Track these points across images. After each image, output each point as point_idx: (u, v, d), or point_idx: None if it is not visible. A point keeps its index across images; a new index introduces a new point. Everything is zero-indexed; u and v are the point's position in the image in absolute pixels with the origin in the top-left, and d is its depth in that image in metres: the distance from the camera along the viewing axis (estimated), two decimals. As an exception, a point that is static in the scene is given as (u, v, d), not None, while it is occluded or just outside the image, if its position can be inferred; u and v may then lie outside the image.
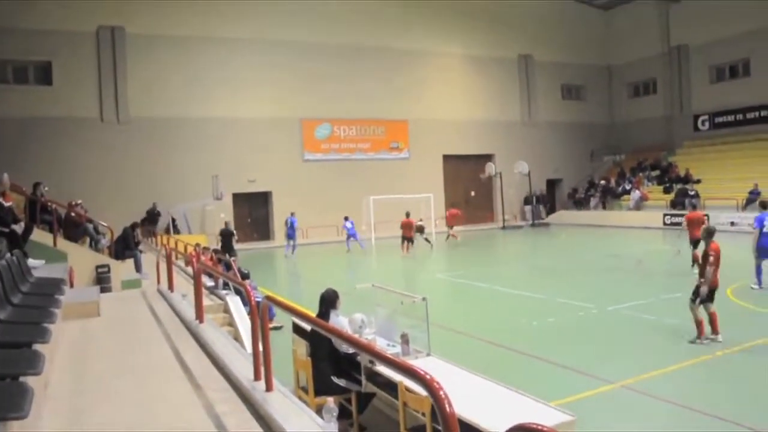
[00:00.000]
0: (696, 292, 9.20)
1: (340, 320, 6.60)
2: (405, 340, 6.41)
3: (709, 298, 9.17)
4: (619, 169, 38.24)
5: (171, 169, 28.31)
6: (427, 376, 2.29)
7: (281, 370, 6.94)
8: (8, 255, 6.51)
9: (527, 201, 37.19)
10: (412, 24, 34.31)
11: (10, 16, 25.21)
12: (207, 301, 10.70)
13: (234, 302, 11.02)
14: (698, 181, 31.46)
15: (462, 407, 3.66)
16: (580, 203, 37.24)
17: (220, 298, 11.68)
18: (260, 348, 4.61)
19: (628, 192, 34.39)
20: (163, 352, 6.05)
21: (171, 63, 28.66)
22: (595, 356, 9.22)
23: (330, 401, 3.83)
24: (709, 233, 9.37)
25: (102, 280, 11.57)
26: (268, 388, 4.38)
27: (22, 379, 3.54)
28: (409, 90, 34.55)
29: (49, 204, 13.23)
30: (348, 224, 26.73)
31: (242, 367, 5.00)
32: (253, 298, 4.92)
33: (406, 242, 23.79)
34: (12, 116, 25.36)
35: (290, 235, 25.29)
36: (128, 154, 27.53)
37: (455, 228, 27.77)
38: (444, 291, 16.65)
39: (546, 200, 38.73)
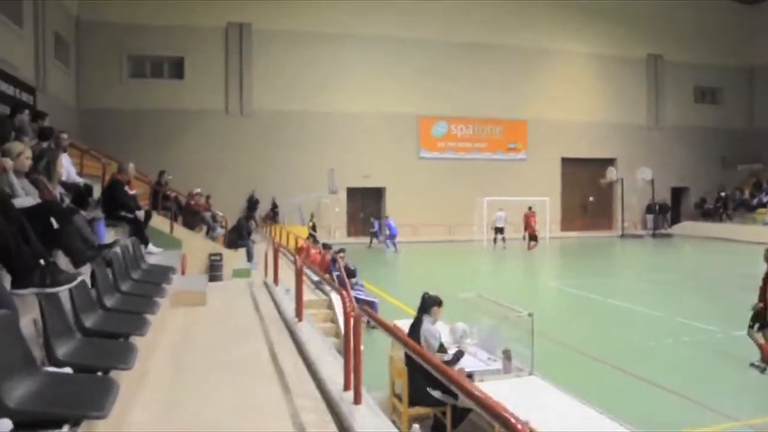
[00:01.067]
0: (754, 318, 8.74)
1: (431, 328, 6.27)
2: (507, 356, 6.09)
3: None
4: (755, 179, 35.17)
5: (289, 161, 29.10)
6: (519, 426, 1.99)
7: (379, 375, 6.81)
8: (123, 242, 6.74)
9: (649, 209, 35.11)
10: (534, 21, 33.19)
11: (149, 14, 26.95)
12: (311, 296, 10.79)
13: (338, 299, 11.00)
14: None
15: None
16: (708, 214, 34.65)
17: (325, 293, 11.70)
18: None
19: (765, 205, 31.61)
20: (259, 349, 6.06)
21: (292, 58, 29.43)
22: (717, 387, 8.37)
23: (416, 427, 3.60)
24: None
25: (214, 268, 11.94)
26: (357, 400, 4.21)
27: (112, 373, 3.54)
28: (529, 89, 33.48)
29: (170, 192, 13.88)
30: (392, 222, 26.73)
31: (333, 374, 4.87)
32: (347, 304, 4.76)
33: (531, 240, 25.95)
34: (147, 108, 27.14)
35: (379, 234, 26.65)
36: (248, 146, 28.60)
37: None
38: (555, 300, 15.94)
39: (669, 209, 36.43)
